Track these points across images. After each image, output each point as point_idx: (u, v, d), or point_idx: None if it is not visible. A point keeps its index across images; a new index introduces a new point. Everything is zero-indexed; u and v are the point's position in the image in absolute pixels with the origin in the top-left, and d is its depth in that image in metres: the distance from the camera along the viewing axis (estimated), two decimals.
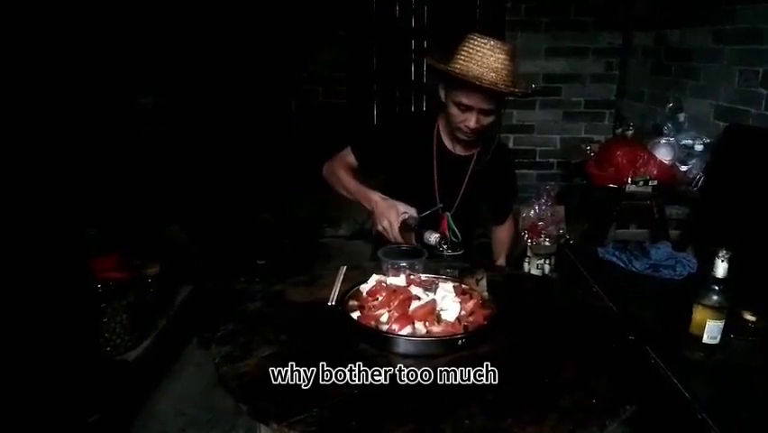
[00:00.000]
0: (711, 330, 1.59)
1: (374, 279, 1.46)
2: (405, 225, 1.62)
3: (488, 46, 1.62)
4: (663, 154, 2.88)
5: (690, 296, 1.63)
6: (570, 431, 0.97)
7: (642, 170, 2.84)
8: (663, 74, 3.34)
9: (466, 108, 1.70)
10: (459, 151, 1.91)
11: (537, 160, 4.06)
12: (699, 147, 2.84)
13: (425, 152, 1.89)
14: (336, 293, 1.47)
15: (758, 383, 1.57)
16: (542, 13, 3.78)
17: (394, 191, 1.90)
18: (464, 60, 1.64)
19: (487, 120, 1.73)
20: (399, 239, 1.64)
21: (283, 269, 3.08)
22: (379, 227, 1.68)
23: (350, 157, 1.90)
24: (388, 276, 1.47)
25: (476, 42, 1.64)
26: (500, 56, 1.62)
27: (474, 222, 2.07)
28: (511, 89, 1.64)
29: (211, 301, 2.91)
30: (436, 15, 4.07)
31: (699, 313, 1.60)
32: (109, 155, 2.90)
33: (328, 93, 4.19)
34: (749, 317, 1.83)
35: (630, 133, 3.25)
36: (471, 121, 1.71)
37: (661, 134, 3.00)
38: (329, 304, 1.44)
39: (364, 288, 1.44)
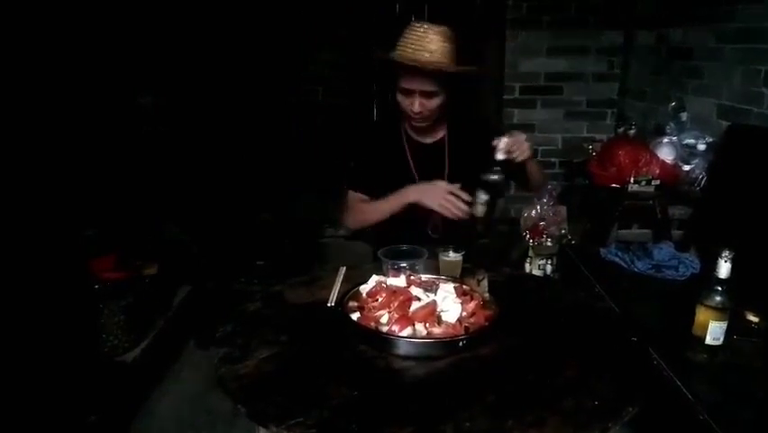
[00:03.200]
0: (714, 331, 1.58)
1: (374, 279, 1.45)
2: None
3: (421, 29, 1.71)
4: (666, 154, 2.87)
5: (693, 296, 1.62)
6: None
7: (644, 169, 2.83)
8: (665, 73, 3.33)
9: (408, 92, 1.75)
10: (427, 139, 1.93)
11: (539, 159, 4.03)
12: (701, 146, 2.83)
13: (398, 151, 1.92)
14: (336, 294, 1.46)
15: (761, 385, 1.56)
16: (543, 11, 3.76)
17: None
18: (401, 46, 1.72)
19: (431, 103, 1.76)
20: (466, 210, 1.67)
21: (282, 269, 3.07)
22: (439, 207, 1.70)
23: (356, 196, 1.93)
24: (388, 277, 1.46)
25: (411, 28, 1.73)
26: (433, 36, 1.69)
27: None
28: (442, 67, 1.69)
29: (210, 302, 2.90)
30: (436, 15, 4.06)
31: (701, 314, 1.59)
32: (108, 155, 2.89)
33: (328, 93, 4.19)
34: (752, 317, 1.81)
35: (632, 132, 3.23)
36: (415, 104, 1.75)
37: (663, 134, 2.99)
38: (328, 305, 1.43)
39: (364, 289, 1.43)
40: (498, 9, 3.84)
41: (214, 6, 3.76)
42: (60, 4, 2.57)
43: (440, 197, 1.69)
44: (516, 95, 3.91)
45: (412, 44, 1.70)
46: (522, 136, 1.71)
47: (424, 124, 1.85)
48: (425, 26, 1.72)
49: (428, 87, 1.73)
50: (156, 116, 3.46)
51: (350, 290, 1.42)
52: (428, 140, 1.93)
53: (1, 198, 2.17)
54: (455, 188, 1.70)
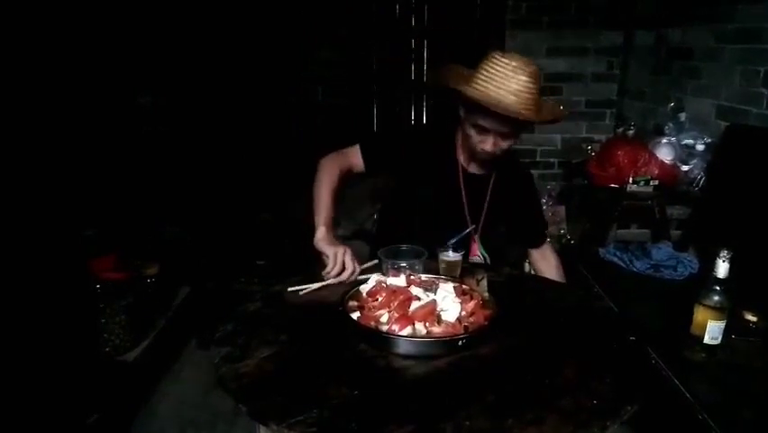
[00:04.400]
0: (712, 331, 1.58)
1: (374, 279, 1.45)
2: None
3: (509, 67, 1.53)
4: (665, 154, 2.88)
5: (692, 296, 1.63)
6: (570, 432, 0.97)
7: (643, 169, 2.83)
8: (665, 73, 3.33)
9: (483, 130, 1.63)
10: (474, 169, 1.83)
11: (538, 159, 4.05)
12: (700, 147, 2.83)
13: (451, 171, 1.81)
14: (309, 288, 1.48)
15: (759, 384, 1.57)
16: (543, 11, 3.76)
17: (421, 212, 1.82)
18: (484, 82, 1.55)
19: (505, 143, 1.66)
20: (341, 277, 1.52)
21: (283, 269, 3.07)
22: (329, 260, 1.53)
23: (355, 158, 1.77)
24: (388, 276, 1.46)
25: (497, 63, 1.54)
26: (522, 78, 1.52)
27: (493, 244, 1.99)
28: (531, 117, 1.56)
29: (210, 302, 2.90)
30: (436, 15, 4.06)
31: (700, 313, 1.60)
32: (108, 155, 2.89)
33: (328, 93, 4.19)
34: (750, 317, 1.82)
35: (631, 132, 3.24)
36: (488, 144, 1.64)
37: (662, 134, 3.00)
38: (288, 290, 1.46)
39: (364, 288, 1.43)
40: (498, 9, 3.85)
41: (214, 6, 3.76)
42: (60, 5, 2.58)
43: (338, 255, 1.52)
44: None
45: (496, 83, 1.53)
46: None
47: (488, 160, 1.75)
48: (513, 64, 1.52)
49: (506, 129, 1.61)
50: (156, 116, 3.46)
51: (350, 290, 1.42)
52: (474, 170, 1.83)
53: (1, 198, 2.18)
54: (352, 266, 1.53)
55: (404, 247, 1.59)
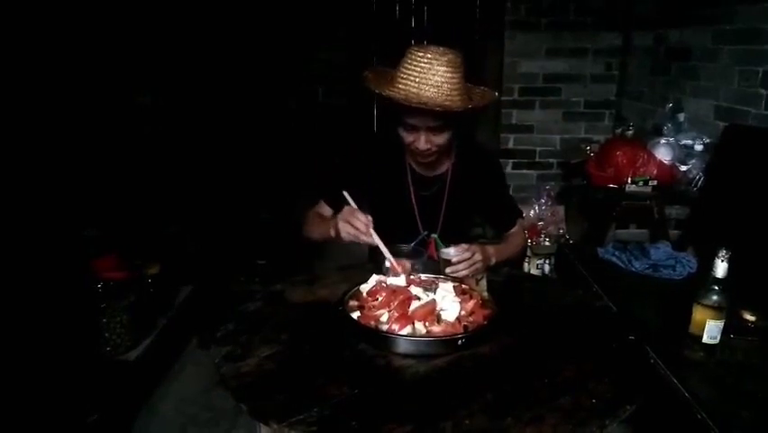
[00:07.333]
0: (711, 330, 1.59)
1: (374, 279, 1.46)
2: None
3: (425, 60, 1.49)
4: (663, 154, 2.89)
5: (690, 296, 1.63)
6: (569, 431, 0.97)
7: (642, 170, 2.84)
8: (663, 74, 3.34)
9: (412, 128, 1.58)
10: (424, 171, 1.78)
11: (537, 160, 4.06)
12: (698, 147, 2.84)
13: (401, 179, 1.79)
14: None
15: (758, 383, 1.57)
16: (542, 12, 3.77)
17: (377, 220, 1.80)
18: (404, 79, 1.52)
19: (438, 139, 1.60)
20: (371, 239, 1.48)
21: (283, 269, 3.08)
22: (345, 235, 1.50)
23: (323, 209, 1.79)
24: (388, 276, 1.47)
25: (414, 57, 1.51)
26: (440, 68, 1.49)
27: (467, 232, 1.98)
28: (454, 107, 1.49)
29: (211, 301, 2.90)
30: (436, 15, 4.07)
31: (698, 313, 1.60)
32: (109, 155, 2.89)
33: (328, 93, 4.19)
34: (749, 316, 1.83)
35: (630, 133, 3.25)
36: (420, 142, 1.59)
37: (660, 134, 3.00)
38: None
39: (364, 288, 1.44)
40: (497, 11, 3.85)
41: (214, 6, 3.77)
42: (60, 5, 2.58)
43: (349, 225, 1.48)
44: (515, 96, 3.92)
45: (414, 78, 1.49)
46: (476, 255, 1.50)
47: (430, 160, 1.70)
48: (429, 55, 1.49)
49: (435, 123, 1.55)
50: (156, 116, 3.47)
51: (350, 290, 1.43)
52: (431, 173, 1.79)
53: (2, 198, 2.18)
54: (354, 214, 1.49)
55: (404, 247, 1.60)
